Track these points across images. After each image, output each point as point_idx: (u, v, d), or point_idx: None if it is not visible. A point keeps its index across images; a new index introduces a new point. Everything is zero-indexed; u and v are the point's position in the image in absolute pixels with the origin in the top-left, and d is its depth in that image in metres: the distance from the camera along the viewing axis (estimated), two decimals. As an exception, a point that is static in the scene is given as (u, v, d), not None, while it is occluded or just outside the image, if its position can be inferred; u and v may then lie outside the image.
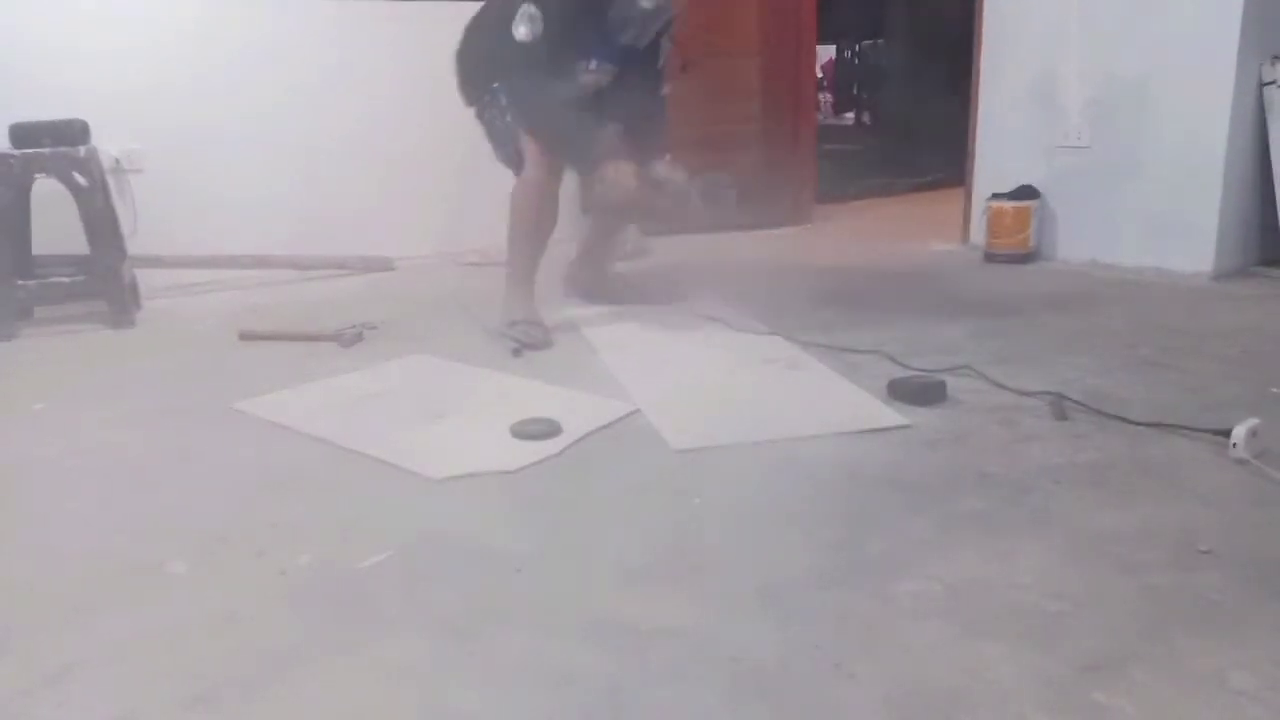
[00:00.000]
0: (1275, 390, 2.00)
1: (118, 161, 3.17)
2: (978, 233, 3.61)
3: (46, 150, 2.71)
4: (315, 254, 3.46)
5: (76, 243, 2.75)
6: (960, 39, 3.75)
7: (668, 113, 2.83)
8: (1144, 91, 3.11)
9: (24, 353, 2.63)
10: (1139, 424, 1.81)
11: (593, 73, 2.56)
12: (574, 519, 1.53)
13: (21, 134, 2.72)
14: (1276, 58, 2.99)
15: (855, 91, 6.44)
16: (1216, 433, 1.70)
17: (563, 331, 2.62)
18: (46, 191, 2.77)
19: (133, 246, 3.09)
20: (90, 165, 2.75)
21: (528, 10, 2.37)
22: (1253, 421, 1.65)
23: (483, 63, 2.60)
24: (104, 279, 2.79)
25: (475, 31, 2.67)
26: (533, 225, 2.56)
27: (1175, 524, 1.43)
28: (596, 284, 2.98)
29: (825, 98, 6.55)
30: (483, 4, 2.68)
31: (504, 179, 2.67)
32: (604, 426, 1.89)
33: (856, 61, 6.33)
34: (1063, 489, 1.57)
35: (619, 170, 2.40)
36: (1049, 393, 1.97)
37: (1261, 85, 3.01)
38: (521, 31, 2.37)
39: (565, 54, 2.47)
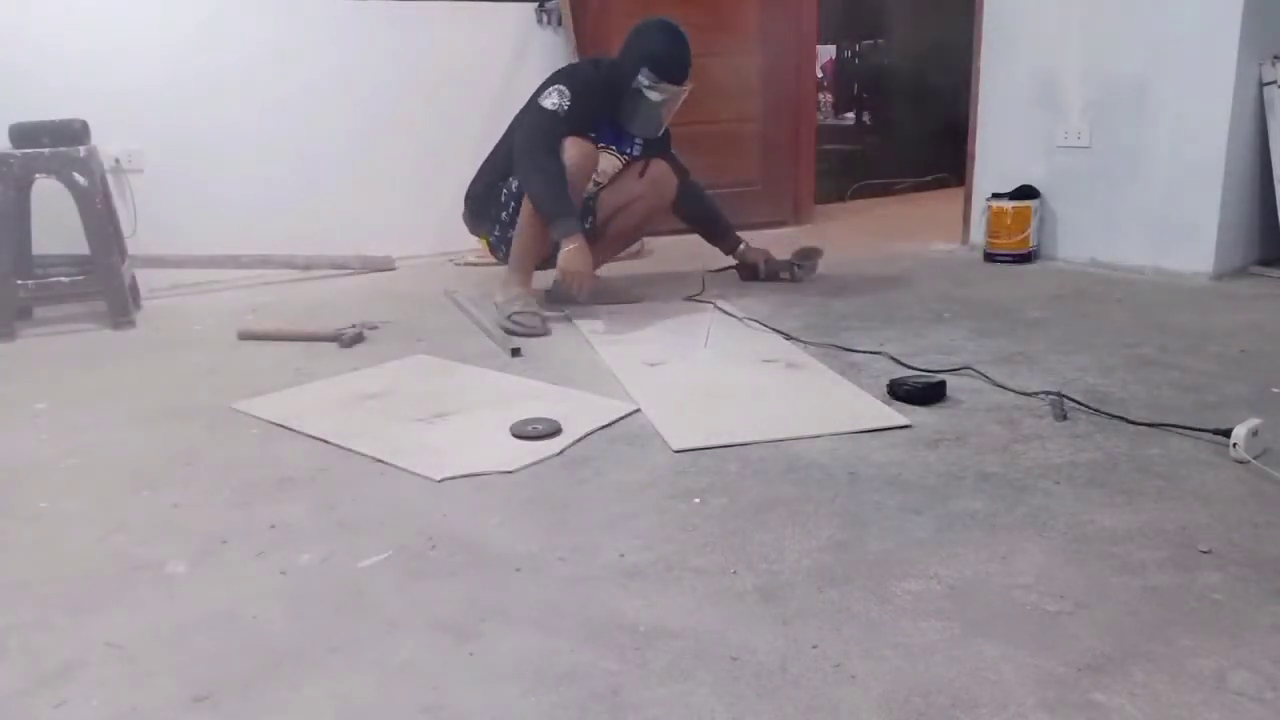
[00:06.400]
0: (1275, 390, 2.00)
1: (118, 161, 3.17)
2: (978, 233, 3.61)
3: (46, 150, 2.71)
4: (315, 254, 3.46)
5: (76, 243, 2.75)
6: (960, 39, 3.74)
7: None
8: (1144, 91, 3.11)
9: (24, 353, 2.63)
10: (1139, 424, 1.81)
11: (603, 149, 2.80)
12: (574, 519, 1.52)
13: (21, 134, 2.72)
14: (1277, 58, 2.99)
15: (855, 91, 6.43)
16: (1217, 433, 1.70)
17: (562, 330, 2.62)
18: (46, 191, 2.77)
19: (133, 246, 3.09)
20: (90, 165, 2.75)
21: (558, 87, 2.69)
22: (1253, 421, 1.65)
23: (494, 187, 2.80)
24: (104, 279, 2.78)
25: (488, 168, 2.86)
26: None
27: (1175, 524, 1.43)
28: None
29: (825, 98, 6.54)
30: (495, 148, 2.87)
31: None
32: (604, 426, 1.90)
33: (856, 61, 6.31)
34: (1063, 489, 1.57)
35: (571, 260, 2.54)
36: (1049, 393, 1.97)
37: (1261, 85, 3.01)
38: (550, 101, 2.67)
39: (581, 131, 2.69)
